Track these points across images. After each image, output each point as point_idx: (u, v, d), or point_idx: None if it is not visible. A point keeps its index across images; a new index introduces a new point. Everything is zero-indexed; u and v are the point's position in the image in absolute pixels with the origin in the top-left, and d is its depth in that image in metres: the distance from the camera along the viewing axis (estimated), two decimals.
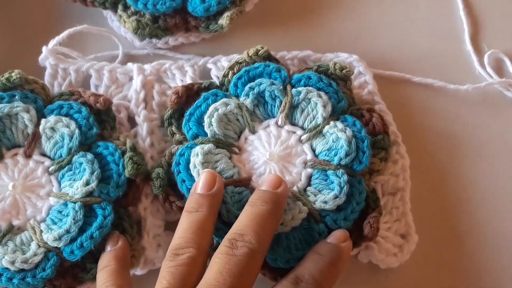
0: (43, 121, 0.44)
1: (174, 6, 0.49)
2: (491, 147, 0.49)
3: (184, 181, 0.43)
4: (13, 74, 0.45)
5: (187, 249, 0.37)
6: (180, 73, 0.49)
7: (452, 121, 0.50)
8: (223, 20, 0.49)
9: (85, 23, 0.50)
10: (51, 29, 0.51)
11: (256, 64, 0.46)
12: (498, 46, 0.52)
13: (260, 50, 0.47)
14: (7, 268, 0.40)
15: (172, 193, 0.44)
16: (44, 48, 0.48)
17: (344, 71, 0.46)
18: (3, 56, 0.52)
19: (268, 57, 0.47)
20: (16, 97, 0.44)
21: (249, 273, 0.36)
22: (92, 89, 0.49)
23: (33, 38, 0.52)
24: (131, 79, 0.49)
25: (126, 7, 0.50)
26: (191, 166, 0.43)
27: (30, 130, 0.44)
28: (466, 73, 0.52)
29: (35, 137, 0.44)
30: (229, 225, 0.39)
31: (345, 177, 0.42)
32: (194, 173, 0.43)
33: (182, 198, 0.44)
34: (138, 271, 0.44)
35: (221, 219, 0.41)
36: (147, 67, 0.49)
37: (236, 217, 0.39)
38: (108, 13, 0.52)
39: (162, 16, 0.50)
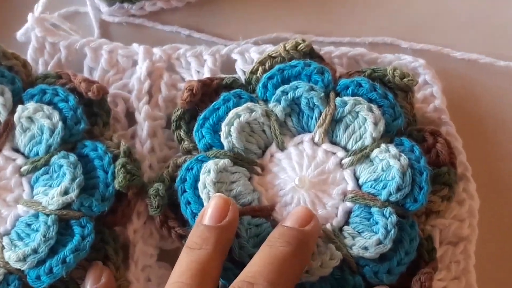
0: (19, 108, 0.44)
1: None
2: None
3: (189, 203, 0.42)
4: None
5: None
6: (197, 62, 0.49)
7: (501, 107, 0.51)
8: None
9: None
10: None
11: (294, 62, 0.45)
12: None
13: (300, 44, 0.46)
14: None
15: (173, 216, 0.43)
16: (29, 16, 0.48)
17: (405, 79, 0.45)
18: None
19: (310, 54, 0.46)
20: None
21: None
22: (86, 73, 0.49)
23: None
24: (135, 64, 0.49)
25: None
26: (200, 185, 0.42)
27: (2, 117, 0.44)
28: None
29: (8, 127, 0.44)
30: (240, 265, 0.39)
31: (394, 217, 0.41)
32: (203, 195, 0.42)
33: (185, 224, 0.43)
34: None
35: (231, 256, 0.40)
36: (157, 51, 0.49)
37: (251, 256, 0.39)
38: None
39: None
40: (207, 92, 0.45)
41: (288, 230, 0.38)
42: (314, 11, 0.53)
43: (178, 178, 0.43)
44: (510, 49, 0.52)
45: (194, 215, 0.42)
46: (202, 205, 0.42)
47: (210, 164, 0.42)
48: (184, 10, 0.52)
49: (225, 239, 0.39)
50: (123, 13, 0.51)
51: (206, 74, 0.48)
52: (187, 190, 0.43)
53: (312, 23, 0.53)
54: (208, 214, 0.40)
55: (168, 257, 0.45)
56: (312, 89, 0.44)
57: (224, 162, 0.42)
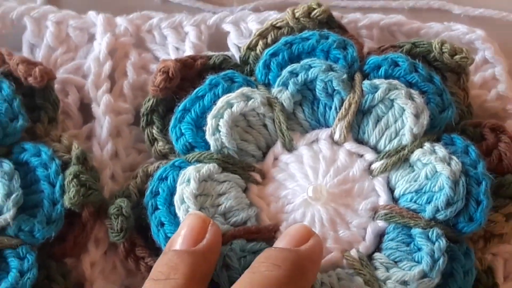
0: None
1: None
2: None
3: (162, 224, 0.40)
4: None
5: None
6: (176, 36, 0.47)
7: None
8: None
9: None
10: None
11: (306, 33, 0.42)
12: None
13: (315, 9, 0.43)
14: None
15: (141, 243, 0.41)
16: None
17: (457, 56, 0.42)
18: None
19: (328, 22, 0.44)
20: None
21: None
22: (26, 53, 0.46)
23: None
24: (92, 39, 0.47)
25: None
26: (176, 199, 0.39)
27: None
28: None
29: None
30: None
31: (443, 242, 0.38)
32: (180, 212, 0.39)
33: (158, 253, 0.39)
34: None
35: None
36: (122, 21, 0.46)
37: None
38: None
39: None
40: (188, 76, 0.42)
41: (277, 252, 0.36)
42: None
43: (147, 192, 0.40)
44: None
45: (166, 236, 0.39)
46: (176, 221, 0.39)
47: (190, 171, 0.39)
48: None
49: (202, 268, 0.36)
50: None
51: (188, 52, 0.45)
52: (160, 207, 0.40)
53: None
54: (180, 236, 0.37)
55: None
56: (331, 69, 0.41)
57: (209, 167, 0.39)
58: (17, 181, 0.39)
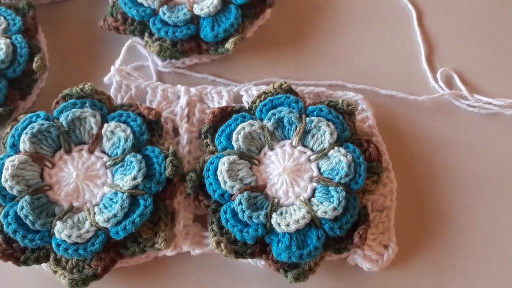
0: (105, 125, 0.42)
1: (189, 34, 0.47)
2: (443, 146, 0.47)
3: (211, 184, 0.41)
4: (86, 85, 0.43)
5: None
6: (218, 97, 0.47)
7: (411, 125, 0.48)
8: (229, 45, 0.47)
9: (118, 48, 0.48)
10: (98, 51, 0.50)
11: (279, 95, 0.43)
12: (448, 65, 0.50)
13: (283, 84, 0.44)
14: (64, 240, 0.38)
15: (201, 193, 0.42)
16: (112, 68, 0.46)
17: (350, 107, 0.43)
18: (68, 72, 0.50)
19: (289, 90, 0.44)
20: (87, 104, 0.42)
21: None
22: (147, 103, 0.47)
23: (95, 58, 0.50)
24: (178, 97, 0.47)
25: (151, 34, 0.48)
26: (218, 172, 0.40)
27: (94, 131, 0.42)
28: (423, 87, 0.50)
29: (98, 137, 0.42)
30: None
31: (344, 193, 0.39)
32: (219, 178, 0.40)
33: (209, 198, 0.41)
34: (169, 253, 0.41)
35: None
36: (193, 89, 0.46)
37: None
38: (136, 39, 0.49)
39: (179, 41, 0.48)
40: (224, 115, 0.44)
41: None
42: (293, 63, 0.51)
43: (205, 169, 0.42)
44: (419, 89, 0.49)
45: (214, 191, 0.40)
46: (220, 185, 0.40)
47: (224, 159, 0.40)
48: (210, 63, 0.51)
49: None
50: (171, 66, 0.50)
51: (223, 104, 0.46)
52: (210, 176, 0.41)
53: (291, 71, 0.50)
54: None
55: (200, 220, 0.43)
56: (291, 112, 0.42)
57: (233, 157, 0.41)
58: (144, 163, 0.40)
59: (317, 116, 0.42)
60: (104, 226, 0.38)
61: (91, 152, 0.42)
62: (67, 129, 0.41)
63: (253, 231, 0.38)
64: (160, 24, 0.47)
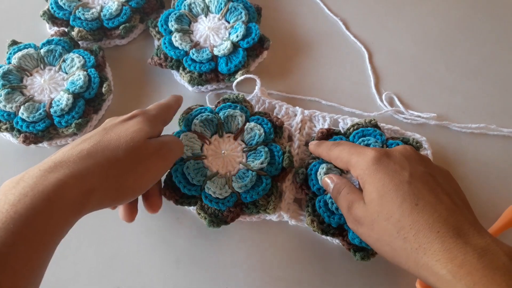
0: (247, 124, 0.49)
1: (210, 68, 0.53)
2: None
3: (312, 180, 0.47)
4: (239, 95, 0.51)
5: None
6: (322, 120, 0.53)
7: None
8: (237, 75, 0.53)
9: (161, 77, 0.56)
10: (147, 80, 0.56)
11: (369, 128, 0.49)
12: (390, 90, 0.56)
13: (372, 121, 0.49)
14: (210, 194, 0.45)
15: (304, 184, 0.47)
16: (256, 87, 0.53)
17: (417, 144, 0.47)
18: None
19: (376, 125, 0.49)
20: (238, 107, 0.49)
21: None
22: (274, 114, 0.52)
23: (145, 85, 0.57)
24: (295, 115, 0.53)
25: (184, 68, 0.54)
26: (317, 173, 0.46)
27: (240, 126, 0.49)
28: (373, 105, 0.56)
29: (241, 131, 0.48)
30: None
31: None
32: (318, 177, 0.46)
33: (309, 188, 0.47)
34: (274, 218, 0.48)
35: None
36: (306, 111, 0.52)
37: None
38: (174, 72, 0.56)
39: (204, 73, 0.53)
40: (328, 134, 0.49)
41: None
42: (282, 87, 0.56)
43: (308, 169, 0.47)
44: (371, 107, 0.54)
45: (314, 185, 0.45)
46: (318, 181, 0.45)
47: (324, 165, 0.45)
48: (225, 88, 0.56)
49: None
50: (198, 90, 0.55)
51: (326, 126, 0.51)
52: (312, 174, 0.46)
53: (275, 83, 0.56)
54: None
55: (297, 201, 0.48)
56: (376, 142, 0.46)
57: (331, 165, 0.45)
58: (269, 154, 0.46)
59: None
60: (237, 191, 0.45)
61: (235, 139, 0.49)
62: (222, 121, 0.48)
63: (337, 219, 0.43)
64: (190, 61, 0.53)
